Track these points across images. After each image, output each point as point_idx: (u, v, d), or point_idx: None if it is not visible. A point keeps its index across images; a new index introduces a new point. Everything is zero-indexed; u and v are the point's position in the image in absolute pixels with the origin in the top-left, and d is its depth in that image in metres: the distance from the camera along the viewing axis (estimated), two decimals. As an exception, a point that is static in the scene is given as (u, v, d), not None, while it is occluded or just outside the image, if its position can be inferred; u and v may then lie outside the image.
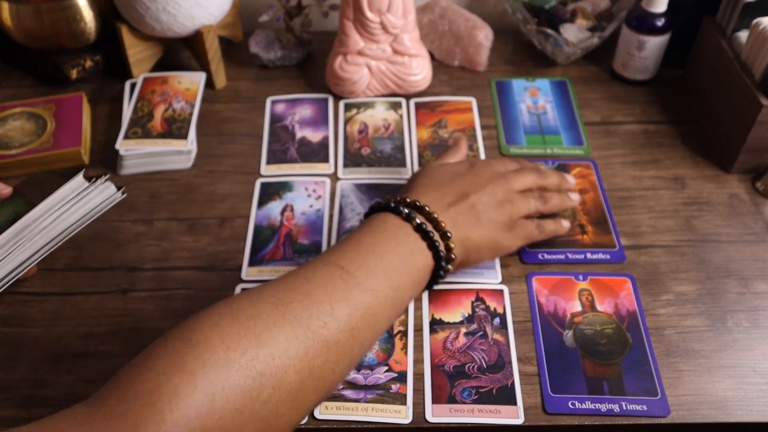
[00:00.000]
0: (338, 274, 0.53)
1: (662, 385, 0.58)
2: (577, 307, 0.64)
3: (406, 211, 0.58)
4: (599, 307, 0.64)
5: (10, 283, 0.58)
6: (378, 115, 0.86)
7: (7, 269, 0.57)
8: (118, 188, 0.63)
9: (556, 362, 0.60)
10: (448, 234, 0.58)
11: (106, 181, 0.62)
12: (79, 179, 0.61)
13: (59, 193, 0.59)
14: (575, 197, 0.69)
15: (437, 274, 0.60)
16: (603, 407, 0.57)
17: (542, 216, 0.68)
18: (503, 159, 0.69)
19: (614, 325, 0.63)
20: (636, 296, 0.65)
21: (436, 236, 0.58)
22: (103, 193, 0.62)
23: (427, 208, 0.59)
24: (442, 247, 0.58)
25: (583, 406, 0.57)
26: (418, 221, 0.58)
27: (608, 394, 0.58)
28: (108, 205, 0.62)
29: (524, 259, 0.69)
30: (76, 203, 0.60)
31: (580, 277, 0.67)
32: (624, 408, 0.57)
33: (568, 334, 0.62)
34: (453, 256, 0.59)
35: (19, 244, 0.58)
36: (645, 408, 0.57)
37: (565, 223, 0.67)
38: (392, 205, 0.59)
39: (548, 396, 0.58)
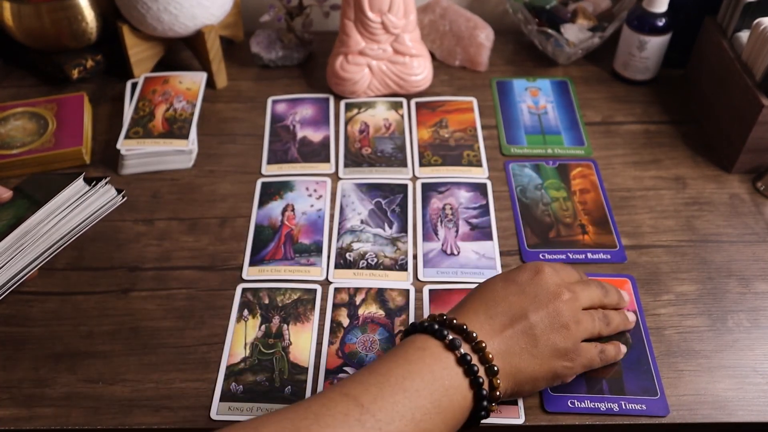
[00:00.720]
0: (356, 414, 0.44)
1: (662, 384, 0.58)
2: (577, 307, 0.64)
3: (450, 337, 0.49)
4: (600, 307, 0.64)
5: (11, 288, 0.57)
6: (379, 114, 0.86)
7: (9, 275, 0.57)
8: (119, 191, 0.63)
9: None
10: (495, 368, 0.49)
11: (106, 184, 0.62)
12: (79, 183, 0.61)
13: (60, 197, 0.59)
14: (632, 318, 0.61)
15: (477, 414, 0.50)
16: (602, 406, 0.57)
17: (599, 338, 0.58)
18: (566, 267, 0.58)
19: (615, 324, 0.63)
20: (636, 296, 0.65)
21: (481, 371, 0.49)
22: (104, 197, 0.62)
23: (474, 335, 0.50)
24: (486, 385, 0.49)
25: (583, 405, 0.57)
26: (462, 351, 0.49)
27: (608, 393, 0.58)
28: (109, 209, 0.62)
29: (525, 259, 0.69)
30: (77, 207, 0.60)
31: (581, 277, 0.67)
32: (623, 407, 0.57)
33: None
34: (498, 394, 0.50)
35: (20, 249, 0.57)
36: (644, 407, 0.57)
37: (623, 348, 0.59)
38: (435, 327, 0.50)
39: (548, 395, 0.58)
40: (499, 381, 0.50)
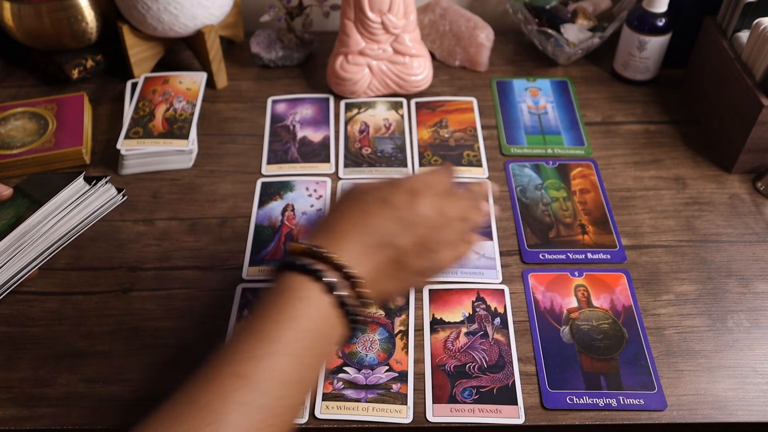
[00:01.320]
0: (252, 402, 0.43)
1: (659, 378, 0.59)
2: (573, 303, 0.65)
3: (327, 279, 0.48)
4: (595, 302, 0.65)
5: (11, 288, 0.57)
6: (379, 114, 0.86)
7: (9, 274, 0.57)
8: (119, 190, 0.63)
9: (553, 358, 0.60)
10: (368, 301, 0.50)
11: (106, 183, 0.62)
12: (79, 182, 0.61)
13: (60, 196, 0.59)
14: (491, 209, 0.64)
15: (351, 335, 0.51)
16: (601, 402, 0.57)
17: None
18: (439, 173, 0.56)
19: (610, 320, 0.63)
20: (631, 291, 0.65)
21: (355, 306, 0.49)
22: (104, 196, 0.62)
23: (351, 272, 0.49)
24: (356, 304, 0.50)
25: (581, 401, 0.57)
26: (340, 293, 0.48)
27: (606, 389, 0.58)
28: (109, 208, 0.62)
29: (525, 259, 0.69)
30: (77, 206, 0.60)
31: (576, 273, 0.67)
32: (621, 402, 0.57)
33: (565, 330, 0.62)
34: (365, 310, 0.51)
35: (20, 249, 0.57)
36: (642, 402, 0.57)
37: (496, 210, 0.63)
38: (311, 267, 0.48)
39: (546, 392, 0.58)
40: (369, 310, 0.51)
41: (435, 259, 0.54)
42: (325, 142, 0.82)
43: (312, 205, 0.75)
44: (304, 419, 0.57)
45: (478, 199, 0.59)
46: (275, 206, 0.75)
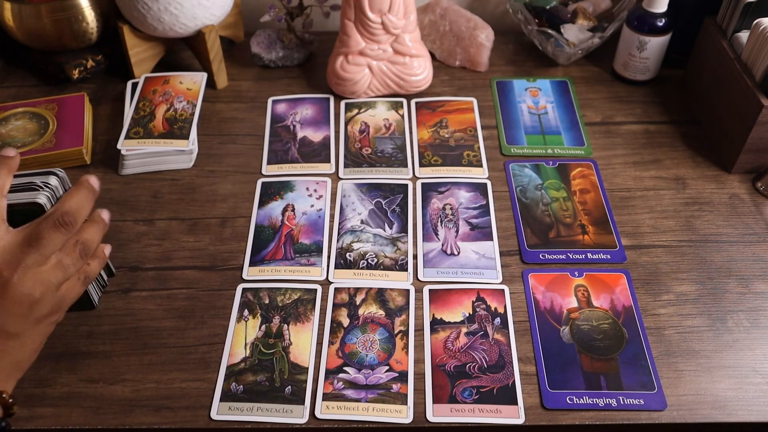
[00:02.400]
0: None
1: (659, 379, 0.59)
2: (573, 303, 0.65)
3: None
4: (595, 302, 0.65)
5: None
6: (379, 114, 0.86)
7: None
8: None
9: (553, 358, 0.60)
10: (10, 400, 0.50)
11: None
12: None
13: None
14: (106, 215, 0.55)
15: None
16: (601, 402, 0.57)
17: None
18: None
19: (610, 320, 0.63)
20: (631, 291, 0.65)
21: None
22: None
23: None
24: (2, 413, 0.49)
25: (581, 401, 0.57)
26: None
27: (606, 389, 0.58)
28: None
29: (525, 259, 0.69)
30: None
31: (576, 273, 0.67)
32: (621, 402, 0.57)
33: (565, 330, 0.63)
34: (13, 409, 0.50)
35: None
36: (642, 402, 0.57)
37: (107, 249, 0.57)
38: None
39: (546, 392, 0.58)
40: (12, 401, 0.50)
41: (47, 305, 0.50)
42: (325, 142, 0.82)
43: (312, 205, 0.75)
44: (304, 419, 0.57)
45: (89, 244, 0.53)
46: (275, 206, 0.75)
